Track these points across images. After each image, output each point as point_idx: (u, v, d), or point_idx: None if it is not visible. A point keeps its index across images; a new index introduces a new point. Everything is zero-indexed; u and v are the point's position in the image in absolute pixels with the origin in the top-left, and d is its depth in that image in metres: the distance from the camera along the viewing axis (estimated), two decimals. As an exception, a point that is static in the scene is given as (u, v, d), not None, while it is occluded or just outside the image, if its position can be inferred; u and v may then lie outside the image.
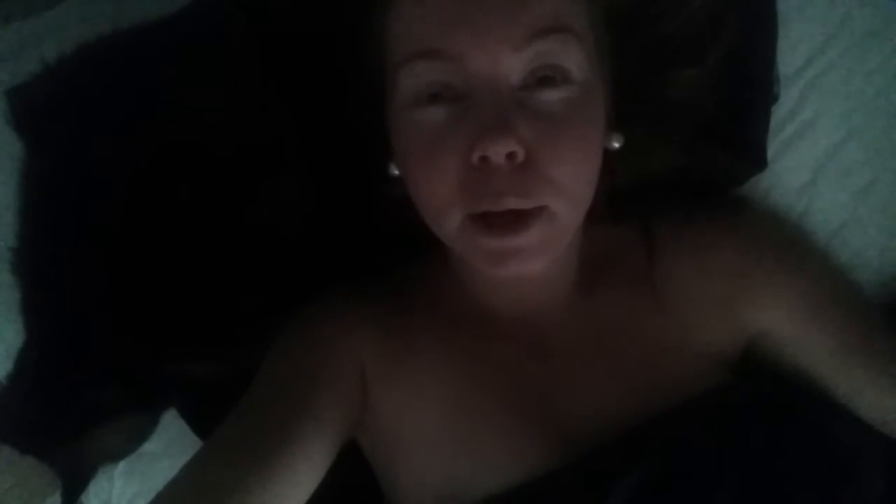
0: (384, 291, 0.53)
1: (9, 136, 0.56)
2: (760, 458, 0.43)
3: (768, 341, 0.49)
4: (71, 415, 0.56)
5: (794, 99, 0.55)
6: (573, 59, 0.40)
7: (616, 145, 0.46)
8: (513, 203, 0.39)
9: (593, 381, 0.47)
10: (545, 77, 0.40)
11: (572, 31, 0.40)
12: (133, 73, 0.55)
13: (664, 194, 0.55)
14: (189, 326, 0.56)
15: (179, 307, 0.56)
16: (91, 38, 0.55)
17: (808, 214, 0.57)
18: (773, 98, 0.54)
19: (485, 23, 0.38)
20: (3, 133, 0.56)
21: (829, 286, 0.49)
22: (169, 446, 0.65)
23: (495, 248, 0.41)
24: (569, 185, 0.40)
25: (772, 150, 0.56)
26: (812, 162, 0.56)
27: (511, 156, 0.38)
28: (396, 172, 0.47)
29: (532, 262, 0.41)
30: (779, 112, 0.55)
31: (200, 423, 0.61)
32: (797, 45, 0.54)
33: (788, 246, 0.52)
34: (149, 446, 0.63)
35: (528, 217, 0.40)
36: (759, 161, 0.55)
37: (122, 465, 0.65)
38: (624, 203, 0.52)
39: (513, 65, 0.39)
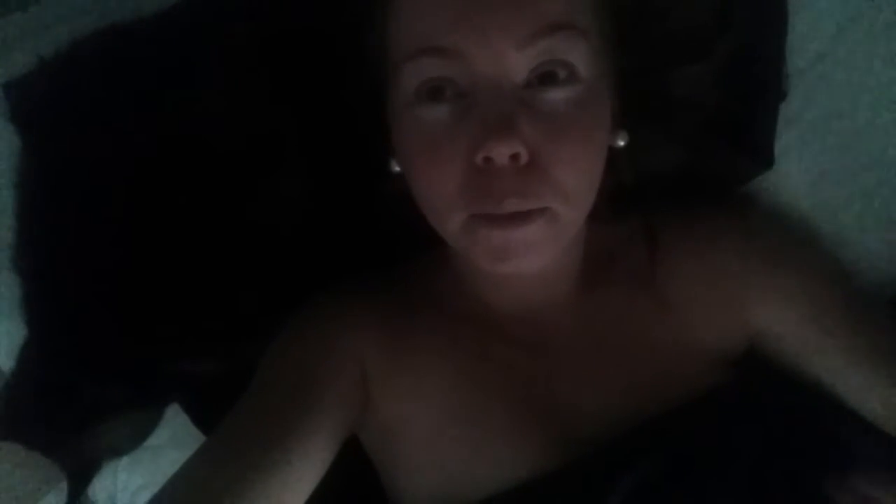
0: (385, 289, 0.53)
1: (7, 130, 0.56)
2: (761, 457, 0.43)
3: (770, 341, 0.49)
4: (73, 411, 0.56)
5: (802, 96, 0.54)
6: (579, 56, 0.39)
7: (621, 143, 0.46)
8: (515, 205, 0.39)
9: (594, 380, 0.47)
10: (550, 73, 0.39)
11: (578, 29, 0.39)
12: (130, 68, 0.55)
13: (669, 192, 0.54)
14: (189, 323, 0.56)
15: (180, 304, 0.56)
16: (87, 33, 0.54)
17: (815, 213, 0.56)
18: (781, 95, 0.53)
19: (489, 20, 0.37)
20: (2, 128, 0.56)
21: (831, 287, 0.49)
22: (172, 439, 0.65)
23: (498, 242, 0.40)
24: (572, 186, 0.40)
25: (780, 146, 0.55)
26: (819, 160, 0.55)
27: (515, 157, 0.38)
28: (397, 169, 0.46)
29: (533, 258, 0.41)
30: (786, 110, 0.54)
31: (203, 417, 0.61)
32: (806, 41, 0.53)
33: (791, 246, 0.51)
34: (152, 440, 0.64)
35: (531, 214, 0.40)
36: (765, 159, 0.54)
37: (126, 458, 0.65)
38: (627, 201, 0.51)
39: (517, 63, 0.38)
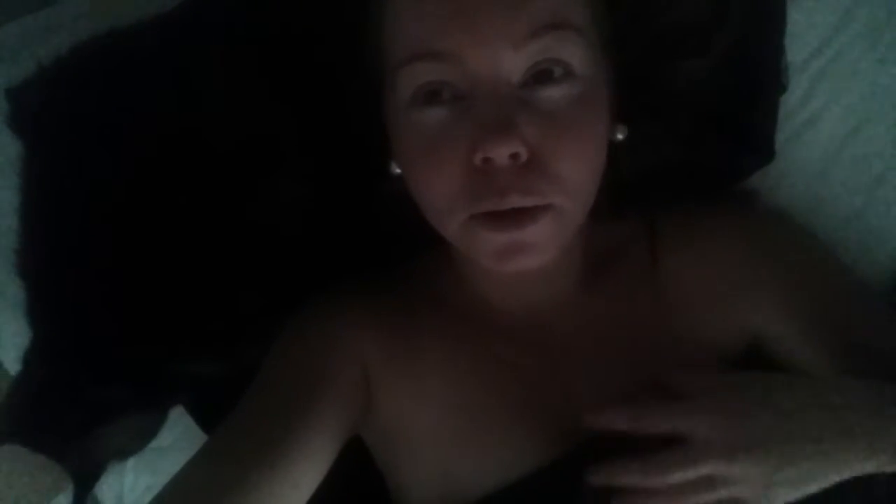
0: (386, 289, 0.53)
1: (8, 137, 0.56)
2: None
3: (768, 340, 0.48)
4: (77, 414, 0.56)
5: (803, 88, 0.54)
6: (575, 54, 0.39)
7: (620, 137, 0.46)
8: (517, 201, 0.39)
9: (593, 381, 0.47)
10: (546, 71, 0.39)
11: (573, 27, 0.39)
12: (129, 72, 0.55)
13: (670, 187, 0.54)
14: (192, 325, 0.56)
15: (182, 306, 0.56)
16: (85, 38, 0.54)
17: (818, 206, 0.56)
18: (781, 88, 0.53)
19: (484, 22, 0.37)
20: (2, 134, 0.56)
21: (832, 288, 0.48)
22: (178, 441, 0.65)
23: (501, 244, 0.40)
24: (574, 181, 0.40)
25: (781, 140, 0.55)
26: (822, 153, 0.55)
27: (514, 156, 0.38)
28: (398, 171, 0.46)
29: (536, 257, 0.41)
30: (788, 102, 0.54)
31: (207, 419, 0.62)
32: (806, 34, 0.53)
33: (791, 245, 0.51)
34: (158, 441, 0.64)
35: (534, 212, 0.40)
36: (766, 153, 0.54)
37: (132, 460, 0.66)
38: (628, 198, 0.51)
39: (513, 63, 0.38)
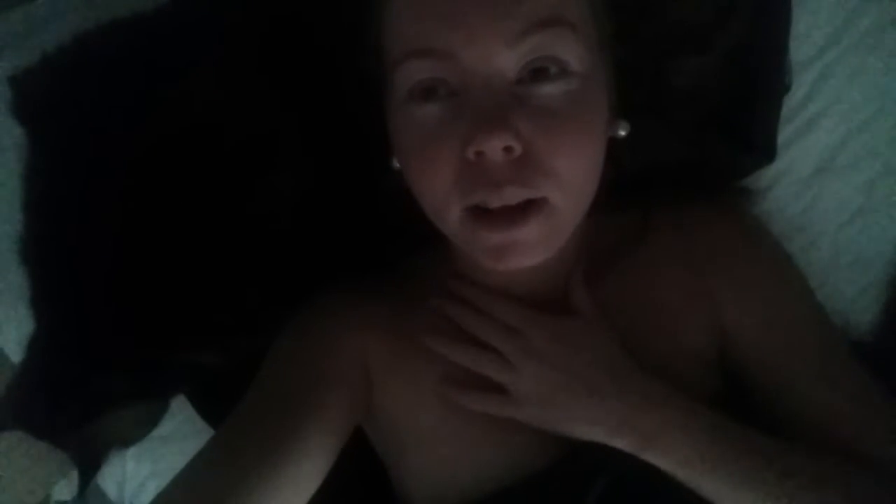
0: (388, 285, 0.53)
1: (10, 123, 0.56)
2: None
3: (734, 346, 0.49)
4: (81, 402, 0.57)
5: (805, 88, 0.54)
6: (570, 51, 0.39)
7: (622, 133, 0.46)
8: (512, 192, 0.39)
9: None
10: (541, 69, 0.39)
11: (568, 24, 0.39)
12: (132, 62, 0.54)
13: (670, 184, 0.54)
14: (193, 317, 0.56)
15: (183, 297, 0.56)
16: (90, 28, 0.54)
17: (816, 205, 0.56)
18: (784, 88, 0.53)
19: (478, 19, 0.37)
20: (6, 123, 0.56)
21: (797, 303, 0.50)
22: (179, 430, 0.66)
23: (496, 243, 0.41)
24: (569, 176, 0.40)
25: (782, 138, 0.55)
26: (822, 152, 0.55)
27: (507, 150, 0.38)
28: (398, 166, 0.47)
29: (532, 256, 0.41)
30: (790, 101, 0.54)
31: (208, 409, 0.62)
32: (809, 34, 0.53)
33: (770, 257, 0.52)
34: (160, 430, 0.65)
35: (528, 210, 0.40)
36: (768, 153, 0.54)
37: (133, 448, 0.66)
38: (630, 193, 0.51)
39: (507, 60, 0.38)
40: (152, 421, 0.63)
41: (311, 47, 0.52)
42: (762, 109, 0.53)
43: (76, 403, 0.57)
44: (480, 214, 0.41)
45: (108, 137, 0.55)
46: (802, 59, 0.53)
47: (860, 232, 0.56)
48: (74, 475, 0.63)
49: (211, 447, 0.44)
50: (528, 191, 0.39)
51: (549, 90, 0.39)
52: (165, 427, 0.65)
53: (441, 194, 0.41)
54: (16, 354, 0.64)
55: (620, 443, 0.43)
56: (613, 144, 0.45)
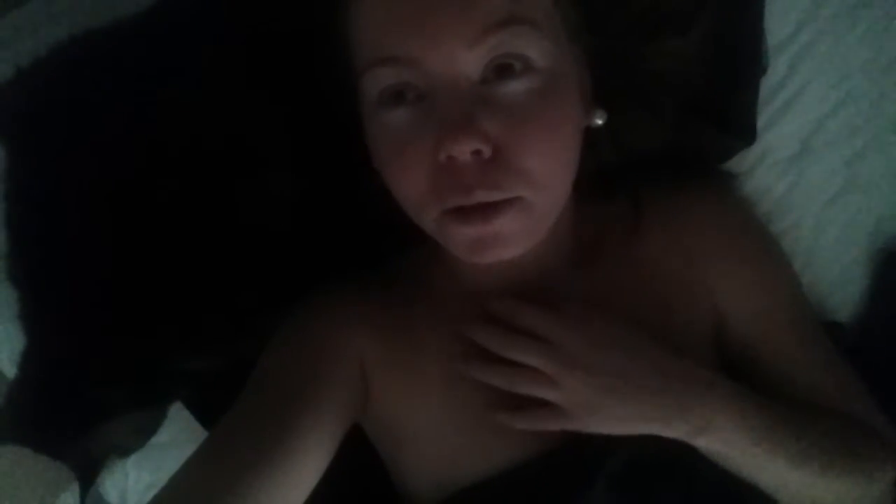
0: (380, 282, 0.54)
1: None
2: None
3: (727, 329, 0.50)
4: (76, 414, 0.57)
5: (783, 68, 0.54)
6: (532, 47, 0.39)
7: (599, 122, 0.46)
8: (483, 196, 0.39)
9: None
10: (505, 66, 0.39)
11: (527, 21, 0.39)
12: (110, 72, 0.54)
13: (654, 169, 0.54)
14: (189, 323, 0.56)
15: (177, 303, 0.56)
16: (63, 39, 0.54)
17: (800, 184, 0.57)
18: (761, 69, 0.53)
19: (437, 23, 0.38)
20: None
21: (785, 288, 0.52)
22: (179, 437, 0.66)
23: (471, 237, 0.41)
24: (541, 174, 0.40)
25: (762, 120, 0.55)
26: (802, 131, 0.55)
27: (477, 153, 0.38)
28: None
29: (509, 248, 0.42)
30: (768, 82, 0.54)
31: (206, 415, 0.62)
32: (786, 14, 0.53)
33: (759, 239, 0.53)
34: (160, 437, 0.65)
35: (502, 206, 0.40)
36: (748, 135, 0.54)
37: (134, 456, 0.66)
38: (616, 179, 0.52)
39: (469, 61, 0.38)
40: (150, 429, 0.63)
41: (289, 54, 0.52)
42: (741, 92, 0.53)
43: (72, 415, 0.57)
44: (454, 212, 0.41)
45: (90, 146, 0.55)
46: (780, 39, 0.54)
47: (843, 210, 0.57)
48: (69, 491, 0.64)
49: (206, 446, 0.44)
50: (500, 193, 0.39)
51: (515, 87, 0.39)
52: (165, 434, 0.65)
53: (417, 197, 0.42)
54: (7, 367, 0.63)
55: (674, 434, 0.43)
56: (593, 133, 0.45)
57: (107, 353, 0.56)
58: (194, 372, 0.58)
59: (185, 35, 0.54)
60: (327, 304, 0.52)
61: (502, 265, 0.45)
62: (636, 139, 0.53)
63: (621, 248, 0.51)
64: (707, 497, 0.44)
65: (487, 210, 0.40)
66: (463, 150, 0.38)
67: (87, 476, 0.62)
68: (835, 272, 0.58)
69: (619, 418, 0.43)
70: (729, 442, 0.43)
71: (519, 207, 0.40)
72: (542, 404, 0.45)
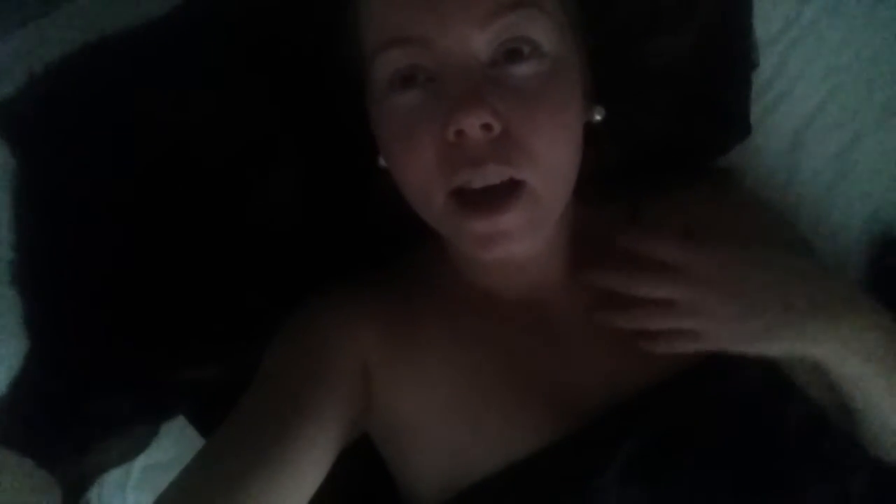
0: (382, 282, 0.54)
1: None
2: (755, 424, 0.44)
3: None
4: (78, 424, 0.55)
5: (773, 63, 0.56)
6: (541, 31, 0.40)
7: (598, 118, 0.47)
8: (493, 170, 0.39)
9: (592, 357, 0.48)
10: (514, 50, 0.40)
11: (537, 5, 0.40)
12: (119, 80, 0.55)
13: (651, 167, 0.56)
14: (194, 330, 0.56)
15: (183, 309, 0.56)
16: (75, 47, 0.55)
17: (794, 176, 0.58)
18: (752, 64, 0.55)
19: (449, 4, 0.38)
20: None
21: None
22: (180, 456, 0.64)
23: (481, 231, 0.41)
24: (547, 156, 0.41)
25: (755, 114, 0.57)
26: (795, 124, 0.57)
27: (487, 127, 0.38)
28: (384, 163, 0.47)
29: (518, 243, 0.42)
30: (760, 77, 0.56)
31: (208, 429, 0.60)
32: (774, 9, 0.56)
33: (765, 222, 0.53)
34: (160, 456, 0.63)
35: (510, 197, 0.40)
36: (742, 128, 0.56)
37: (134, 477, 0.64)
38: (614, 181, 0.53)
39: (480, 42, 0.39)
40: (143, 444, 0.61)
41: (293, 44, 0.53)
42: (733, 86, 0.55)
43: (74, 426, 0.55)
44: (464, 200, 0.41)
45: (98, 155, 0.55)
46: (770, 35, 0.56)
47: (838, 200, 0.58)
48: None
49: (210, 446, 0.43)
50: (509, 168, 0.40)
51: (524, 70, 0.40)
52: (167, 453, 0.64)
53: (424, 179, 0.42)
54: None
55: (821, 352, 0.42)
56: (593, 131, 0.46)
57: (111, 359, 0.55)
58: (198, 382, 0.57)
59: (192, 39, 0.55)
60: (328, 304, 0.52)
61: (502, 263, 0.45)
62: (634, 136, 0.55)
63: (621, 250, 0.52)
64: (720, 481, 0.43)
65: (497, 202, 0.40)
66: (472, 124, 0.38)
67: (74, 491, 0.59)
68: (832, 261, 0.59)
69: (758, 335, 0.42)
70: (872, 357, 0.42)
71: (526, 198, 0.41)
72: (553, 390, 0.45)
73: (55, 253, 0.55)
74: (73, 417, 0.56)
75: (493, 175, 0.40)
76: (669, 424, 0.43)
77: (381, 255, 0.57)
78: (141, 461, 0.63)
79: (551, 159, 0.41)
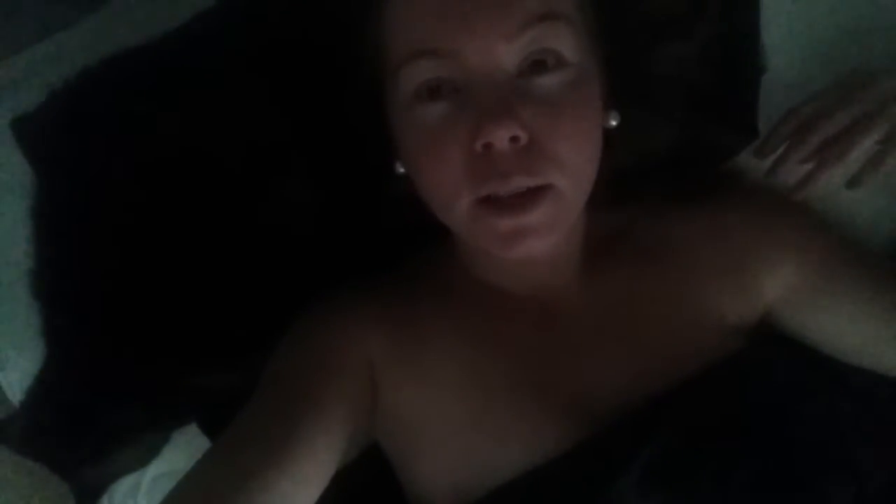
0: (391, 284, 0.54)
1: (17, 162, 0.57)
2: (777, 424, 0.44)
3: (784, 307, 0.50)
4: (93, 438, 0.56)
5: (781, 67, 0.56)
6: (565, 42, 0.41)
7: (613, 123, 0.47)
8: (520, 181, 0.40)
9: (605, 358, 0.48)
10: (539, 61, 0.41)
11: (562, 17, 0.41)
12: (137, 91, 0.56)
13: (663, 170, 0.56)
14: (209, 338, 0.56)
15: (199, 319, 0.56)
16: (93, 62, 0.56)
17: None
18: (760, 69, 0.55)
19: (477, 17, 0.39)
20: (10, 159, 0.57)
21: (838, 248, 0.51)
22: (189, 466, 0.63)
23: (507, 229, 0.42)
24: (572, 162, 0.41)
25: (762, 117, 0.56)
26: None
27: (514, 139, 0.39)
28: (402, 170, 0.48)
29: (541, 241, 0.42)
30: (766, 81, 0.56)
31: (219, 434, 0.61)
32: (778, 15, 0.56)
33: (792, 213, 0.53)
34: (172, 465, 0.63)
35: (536, 196, 0.41)
36: (750, 132, 0.56)
37: (146, 484, 0.64)
38: (626, 184, 0.53)
39: (507, 54, 0.40)
40: (154, 452, 0.62)
41: (312, 52, 0.54)
42: (742, 90, 0.56)
43: (93, 437, 0.56)
44: (488, 202, 0.42)
45: (116, 168, 0.56)
46: (775, 43, 0.56)
47: (849, 205, 0.58)
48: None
49: (217, 448, 0.44)
50: (535, 178, 0.40)
51: (549, 81, 0.41)
52: (178, 462, 0.64)
53: (450, 189, 0.42)
54: (13, 390, 0.62)
55: None
56: (607, 135, 0.47)
57: (128, 368, 0.56)
58: (211, 390, 0.58)
59: (209, 50, 0.56)
60: (336, 306, 0.52)
61: (516, 264, 0.46)
62: (645, 141, 0.56)
63: (641, 249, 0.52)
64: (739, 484, 0.43)
65: (524, 200, 0.41)
66: (501, 136, 0.39)
67: (87, 500, 0.60)
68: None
69: None
70: None
71: (552, 197, 0.41)
72: (566, 391, 0.45)
73: (74, 264, 0.56)
74: (89, 426, 0.57)
75: (518, 185, 0.41)
76: (688, 428, 0.43)
77: (390, 257, 0.57)
78: (151, 471, 0.64)
79: (575, 163, 0.42)
